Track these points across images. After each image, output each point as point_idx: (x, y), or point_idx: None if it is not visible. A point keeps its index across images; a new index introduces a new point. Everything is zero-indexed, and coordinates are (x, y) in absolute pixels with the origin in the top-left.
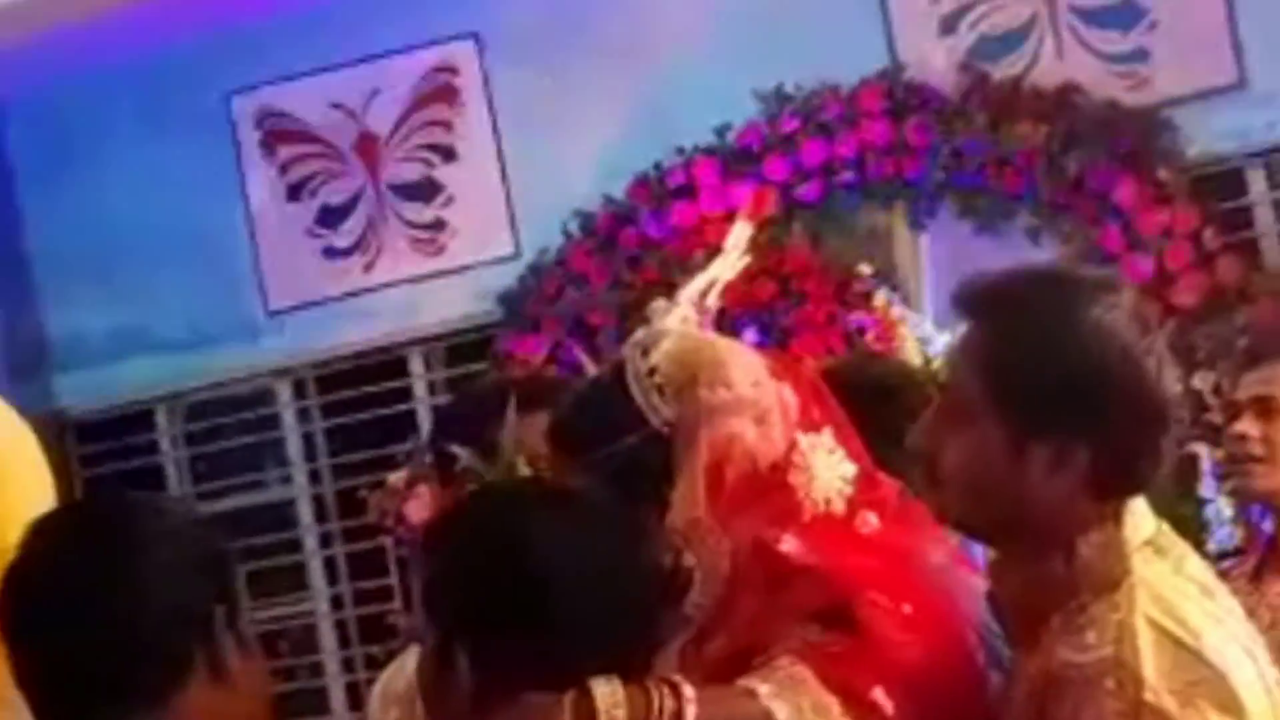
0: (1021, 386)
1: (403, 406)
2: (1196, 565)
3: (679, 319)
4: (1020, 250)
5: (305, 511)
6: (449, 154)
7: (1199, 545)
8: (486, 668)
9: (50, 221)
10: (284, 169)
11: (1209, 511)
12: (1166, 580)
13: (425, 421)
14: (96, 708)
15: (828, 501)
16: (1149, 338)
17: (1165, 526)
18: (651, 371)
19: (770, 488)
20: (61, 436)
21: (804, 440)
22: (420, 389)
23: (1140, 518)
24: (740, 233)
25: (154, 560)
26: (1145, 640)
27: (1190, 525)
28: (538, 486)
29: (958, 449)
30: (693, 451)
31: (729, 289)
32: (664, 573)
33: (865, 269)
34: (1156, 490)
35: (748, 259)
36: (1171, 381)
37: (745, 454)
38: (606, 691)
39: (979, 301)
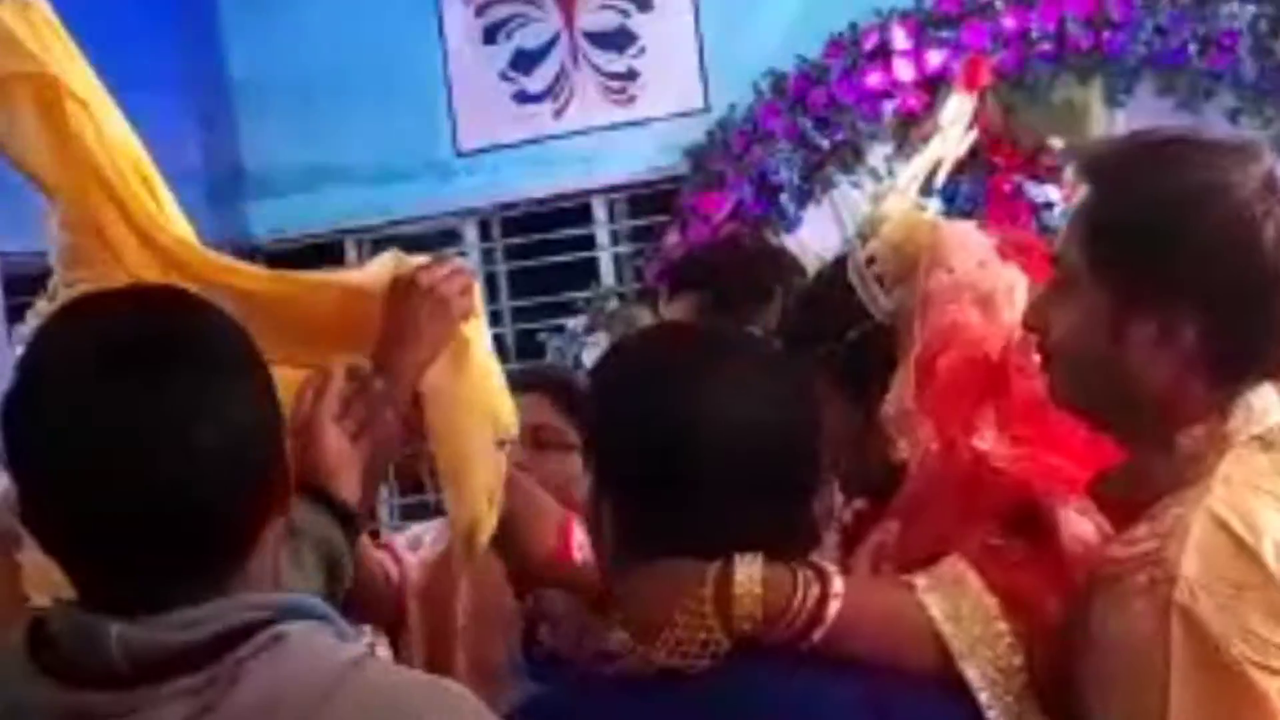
0: (1121, 254)
1: (585, 254)
2: None
3: (899, 203)
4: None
5: None
6: (644, 4)
7: None
8: (626, 526)
9: (251, 52)
10: (481, 10)
11: None
12: (1257, 476)
13: (607, 269)
14: None
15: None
16: (1275, 204)
17: None
18: (870, 260)
19: (996, 373)
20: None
21: None
22: (603, 237)
23: (1259, 410)
24: (958, 106)
25: None
26: (1200, 535)
27: None
28: (694, 337)
29: (1061, 324)
30: (910, 341)
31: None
32: (818, 438)
33: (1057, 143)
34: None
35: (973, 135)
36: None
37: (970, 341)
38: (748, 568)
39: (1092, 164)
